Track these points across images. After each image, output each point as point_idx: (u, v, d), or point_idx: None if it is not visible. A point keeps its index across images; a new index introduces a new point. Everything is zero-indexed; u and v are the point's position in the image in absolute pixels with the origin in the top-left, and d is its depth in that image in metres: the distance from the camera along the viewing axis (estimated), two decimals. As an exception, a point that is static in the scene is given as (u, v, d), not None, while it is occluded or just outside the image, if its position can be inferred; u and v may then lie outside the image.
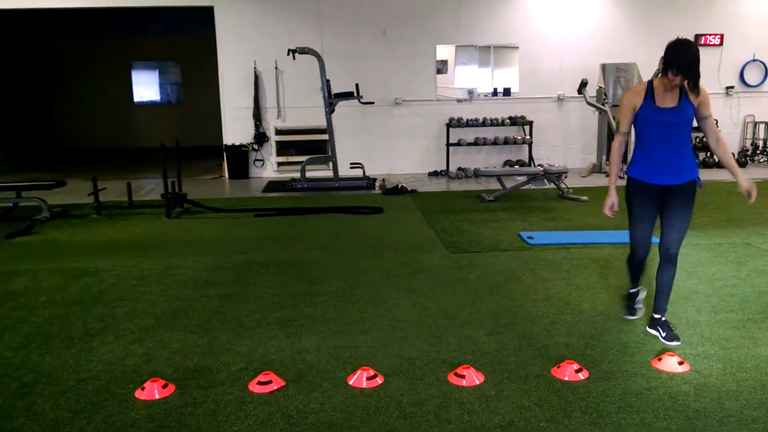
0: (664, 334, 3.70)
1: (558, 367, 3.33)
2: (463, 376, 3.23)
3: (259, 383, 3.21)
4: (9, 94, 15.79)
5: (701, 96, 3.48)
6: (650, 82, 3.56)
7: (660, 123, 3.49)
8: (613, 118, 10.46)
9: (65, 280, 5.14)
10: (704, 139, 11.14)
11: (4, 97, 15.67)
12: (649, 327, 3.83)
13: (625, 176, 3.80)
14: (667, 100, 3.48)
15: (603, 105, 10.54)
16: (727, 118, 11.82)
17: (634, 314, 4.04)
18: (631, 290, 4.05)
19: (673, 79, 3.37)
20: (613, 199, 3.77)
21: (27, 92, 16.46)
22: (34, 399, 3.14)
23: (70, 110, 17.11)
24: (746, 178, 3.57)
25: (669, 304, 4.30)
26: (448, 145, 11.14)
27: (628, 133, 3.70)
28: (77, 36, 16.84)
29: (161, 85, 18.04)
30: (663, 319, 3.76)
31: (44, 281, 5.11)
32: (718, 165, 11.32)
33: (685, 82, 3.40)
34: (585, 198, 8.26)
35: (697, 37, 11.52)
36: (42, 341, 3.87)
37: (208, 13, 10.86)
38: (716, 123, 9.72)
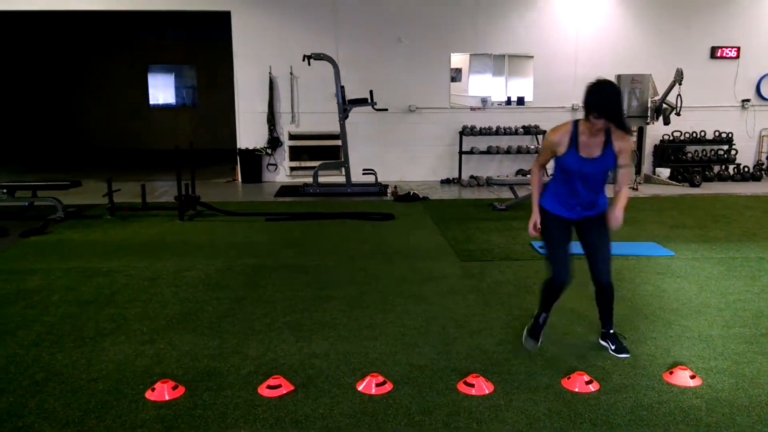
0: (613, 347, 3.67)
1: (568, 378, 3.31)
2: (472, 385, 3.22)
3: (269, 387, 3.22)
4: (28, 96, 15.99)
5: (624, 143, 3.36)
6: (575, 126, 3.40)
7: (582, 171, 3.40)
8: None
9: (78, 279, 5.18)
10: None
11: (24, 99, 15.87)
12: (600, 339, 3.80)
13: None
14: (591, 149, 3.36)
15: (617, 116, 10.48)
16: (743, 131, 11.73)
17: (537, 341, 3.70)
18: (542, 315, 3.74)
19: (595, 122, 3.25)
20: (535, 218, 3.63)
21: (45, 94, 16.64)
22: (45, 397, 3.16)
23: (87, 112, 17.27)
24: (618, 215, 3.44)
25: (681, 316, 4.28)
26: (461, 153, 11.13)
27: (545, 166, 3.66)
28: (96, 38, 17.02)
29: (177, 89, 18.18)
30: (612, 331, 3.74)
31: (57, 280, 5.15)
32: (733, 178, 11.25)
33: (611, 126, 3.30)
34: (598, 209, 8.21)
35: (714, 49, 11.46)
36: (54, 340, 3.90)
37: (225, 17, 10.95)
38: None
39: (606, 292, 3.66)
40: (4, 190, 7.65)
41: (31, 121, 16.41)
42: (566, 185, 3.49)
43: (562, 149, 3.42)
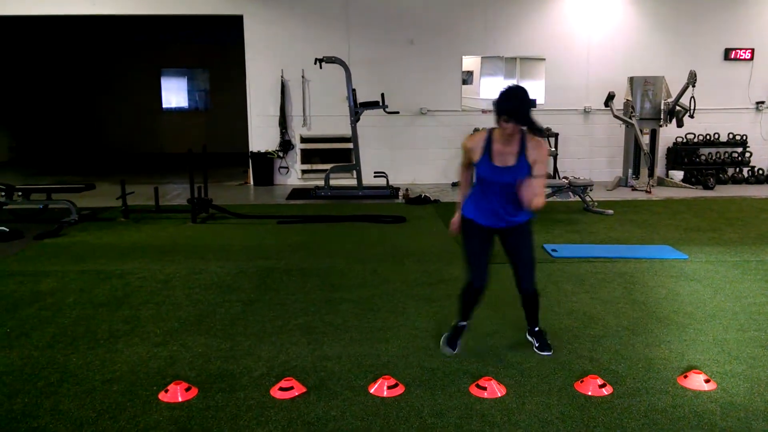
0: (537, 344, 3.71)
1: (581, 382, 3.29)
2: (484, 388, 3.21)
3: (281, 389, 3.23)
4: (42, 99, 16.15)
5: (539, 153, 3.31)
6: (490, 134, 3.38)
7: (497, 181, 3.35)
8: (641, 131, 10.37)
9: (92, 281, 5.22)
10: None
11: (38, 102, 16.03)
12: (528, 335, 3.82)
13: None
14: (505, 157, 3.32)
15: (630, 118, 10.44)
16: (757, 134, 11.63)
17: (454, 349, 3.69)
18: (460, 323, 3.73)
19: (505, 126, 3.23)
20: (456, 218, 3.61)
21: (60, 97, 16.81)
22: (60, 398, 3.19)
23: (100, 115, 17.42)
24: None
25: (695, 320, 4.25)
26: (473, 155, 11.10)
27: (469, 183, 3.60)
28: (109, 42, 17.17)
29: (189, 92, 18.29)
30: (537, 329, 3.76)
31: (71, 283, 5.19)
32: (747, 181, 11.15)
33: (524, 132, 3.26)
34: (611, 212, 8.17)
35: (728, 51, 11.38)
36: (68, 341, 3.93)
37: (237, 21, 11.02)
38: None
39: (530, 300, 3.67)
40: (20, 193, 7.73)
41: (45, 124, 16.56)
42: (484, 193, 3.44)
43: (476, 157, 3.39)
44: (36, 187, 8.16)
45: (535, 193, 3.26)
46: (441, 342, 3.76)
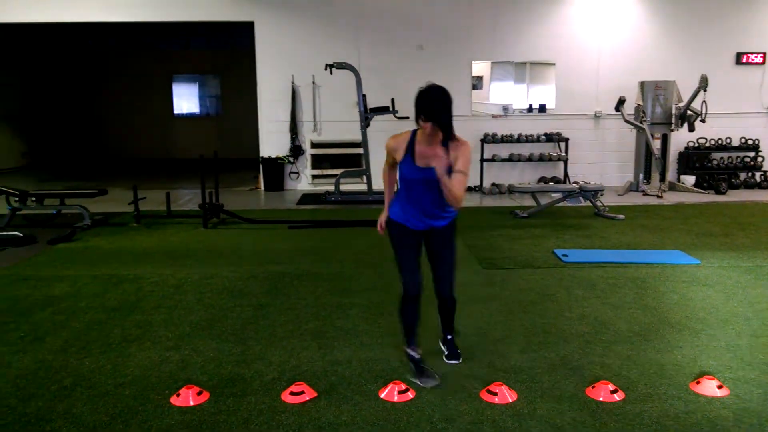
0: (447, 352, 3.67)
1: (593, 387, 3.28)
2: (495, 394, 3.21)
3: (292, 393, 3.24)
4: (55, 105, 16.30)
5: (459, 151, 3.24)
6: (413, 134, 3.33)
7: (419, 181, 3.31)
8: (652, 136, 10.33)
9: (104, 286, 5.26)
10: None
11: (51, 108, 16.19)
12: (440, 342, 3.78)
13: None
14: (428, 158, 3.24)
15: (641, 123, 10.41)
16: (770, 138, 11.57)
17: (434, 378, 3.40)
18: (411, 354, 3.50)
19: (424, 126, 3.19)
20: (382, 218, 3.54)
21: (72, 103, 16.96)
22: (73, 402, 3.21)
23: (113, 121, 17.56)
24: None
25: (707, 325, 4.22)
26: (482, 160, 11.11)
27: (394, 182, 3.52)
28: (121, 49, 17.33)
29: (201, 98, 18.41)
30: (449, 337, 3.71)
31: (84, 287, 5.24)
32: (760, 186, 11.07)
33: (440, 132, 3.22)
34: (622, 216, 8.14)
35: (739, 55, 11.32)
36: (81, 345, 3.96)
37: (248, 28, 11.09)
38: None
39: (447, 306, 3.60)
40: (33, 198, 7.80)
41: (57, 130, 16.71)
42: (408, 194, 3.39)
43: (399, 156, 3.35)
44: (49, 192, 8.24)
45: (455, 189, 3.16)
46: (420, 380, 3.40)
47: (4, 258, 6.30)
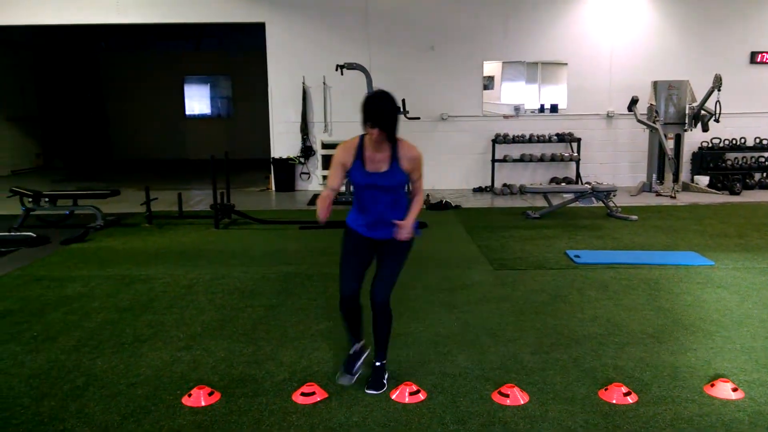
0: (370, 378, 3.39)
1: (605, 390, 3.25)
2: (507, 395, 3.19)
3: (303, 394, 3.24)
4: (68, 106, 16.43)
5: (411, 157, 3.27)
6: (362, 139, 3.30)
7: (371, 187, 3.26)
8: (665, 136, 10.25)
9: (117, 286, 5.29)
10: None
11: (64, 109, 16.32)
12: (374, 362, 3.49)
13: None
14: (377, 163, 3.23)
15: (654, 123, 10.33)
16: (785, 137, 11.45)
17: (352, 377, 3.39)
18: (353, 344, 3.48)
19: (371, 132, 3.17)
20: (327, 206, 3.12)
21: (85, 104, 17.09)
22: (86, 401, 3.23)
23: (124, 122, 17.67)
24: (404, 224, 3.22)
25: (722, 327, 4.17)
26: (494, 161, 11.07)
27: (338, 189, 3.26)
28: (133, 50, 17.44)
29: (212, 99, 18.49)
30: (377, 364, 3.43)
31: (97, 287, 5.26)
32: (775, 186, 10.95)
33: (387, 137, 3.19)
34: (635, 217, 8.08)
35: (754, 54, 11.21)
36: (94, 345, 3.98)
37: (259, 29, 11.12)
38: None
39: (376, 314, 3.35)
40: (47, 199, 7.86)
41: (70, 132, 16.83)
42: (360, 201, 3.35)
43: (349, 161, 3.30)
44: (62, 193, 8.30)
45: (419, 207, 3.35)
46: (339, 372, 3.45)
47: (18, 258, 6.35)
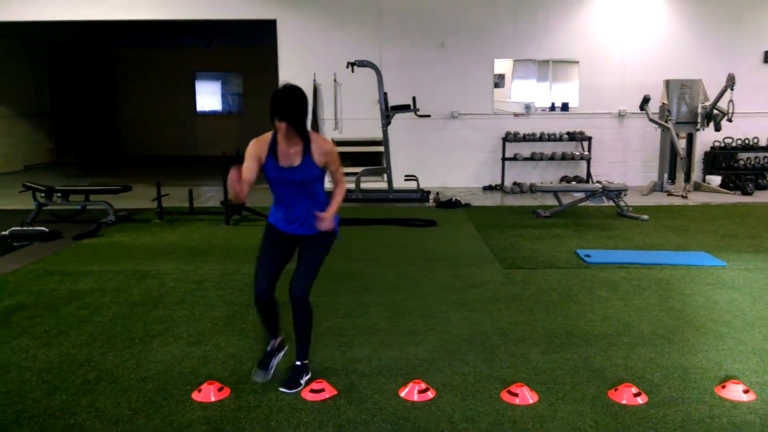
0: (286, 376, 3.38)
1: (615, 390, 3.24)
2: (516, 395, 3.18)
3: (312, 391, 3.25)
4: (80, 102, 16.52)
5: (325, 150, 3.27)
6: (274, 135, 3.28)
7: (285, 181, 3.27)
8: (677, 135, 10.18)
9: (128, 281, 5.33)
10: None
11: (76, 104, 16.41)
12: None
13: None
14: (290, 157, 3.24)
15: (666, 122, 10.26)
16: (797, 138, 11.34)
17: (266, 373, 3.40)
18: (270, 341, 3.51)
19: (279, 126, 3.16)
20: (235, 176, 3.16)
21: (97, 100, 17.19)
22: (97, 396, 3.25)
23: (136, 118, 17.75)
24: (325, 215, 3.26)
25: (733, 329, 4.15)
26: (504, 159, 11.04)
27: (252, 182, 3.27)
28: (145, 47, 17.51)
29: (223, 96, 18.54)
30: (297, 363, 3.42)
31: (108, 282, 5.30)
32: (788, 186, 10.85)
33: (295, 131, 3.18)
34: (646, 217, 8.04)
35: (767, 53, 11.10)
36: (105, 340, 4.01)
37: (271, 26, 11.13)
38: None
39: (294, 307, 3.34)
40: (59, 194, 7.91)
41: (84, 127, 16.93)
42: (279, 197, 3.36)
43: (263, 155, 3.29)
44: (74, 188, 8.35)
45: (340, 198, 3.38)
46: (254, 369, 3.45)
47: (31, 253, 6.41)
